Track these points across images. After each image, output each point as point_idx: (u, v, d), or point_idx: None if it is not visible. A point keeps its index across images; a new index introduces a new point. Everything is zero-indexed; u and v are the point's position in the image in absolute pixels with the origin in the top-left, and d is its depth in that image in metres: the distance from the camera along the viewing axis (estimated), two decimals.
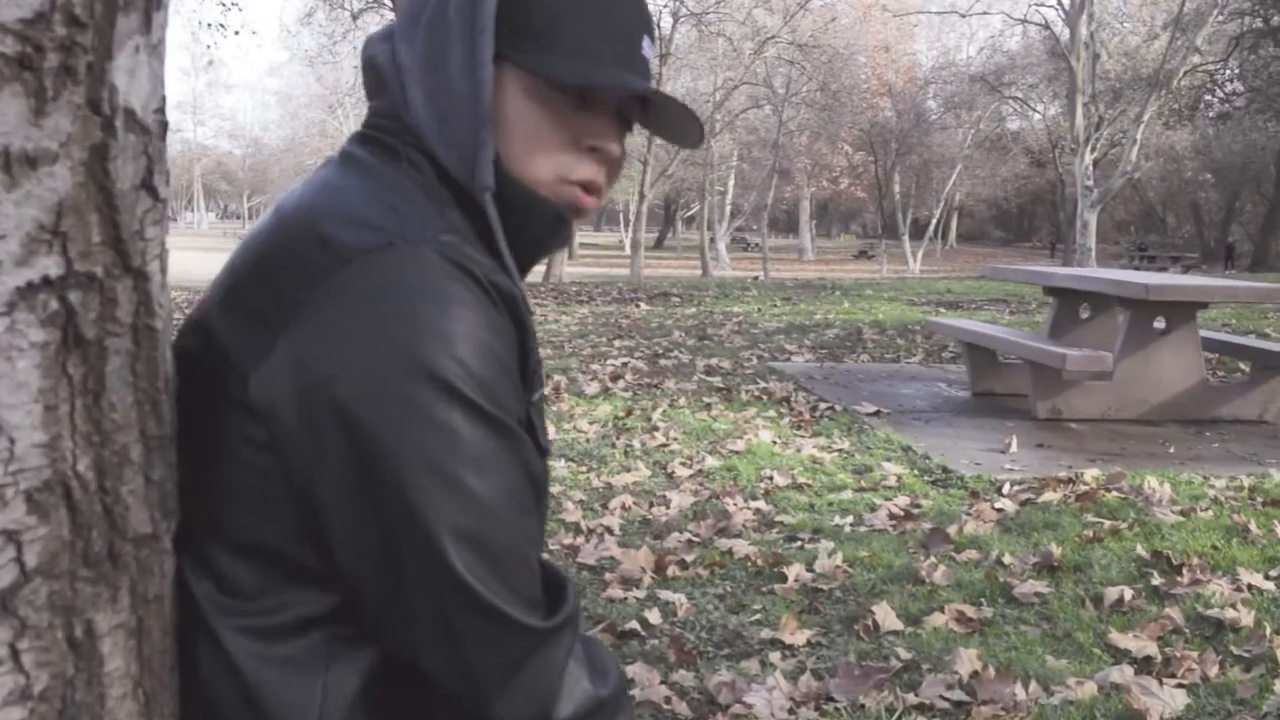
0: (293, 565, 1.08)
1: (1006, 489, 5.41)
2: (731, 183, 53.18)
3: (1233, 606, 3.87)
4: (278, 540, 1.07)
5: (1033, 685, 3.34)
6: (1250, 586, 4.08)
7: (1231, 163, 46.08)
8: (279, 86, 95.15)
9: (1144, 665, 3.52)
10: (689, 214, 62.57)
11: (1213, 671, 3.46)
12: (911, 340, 11.17)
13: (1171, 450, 6.30)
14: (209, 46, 23.15)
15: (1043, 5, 36.12)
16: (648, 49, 1.23)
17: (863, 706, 3.24)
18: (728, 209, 54.55)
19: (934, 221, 50.24)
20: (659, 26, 35.04)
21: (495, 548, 1.05)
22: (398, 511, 1.02)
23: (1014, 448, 6.22)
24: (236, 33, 26.22)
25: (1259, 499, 5.19)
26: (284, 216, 1.13)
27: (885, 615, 3.86)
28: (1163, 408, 7.07)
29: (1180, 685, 3.38)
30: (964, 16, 37.00)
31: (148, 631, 0.97)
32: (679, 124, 1.27)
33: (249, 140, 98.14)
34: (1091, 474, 5.53)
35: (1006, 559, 4.38)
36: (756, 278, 28.71)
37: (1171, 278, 7.55)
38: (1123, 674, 3.41)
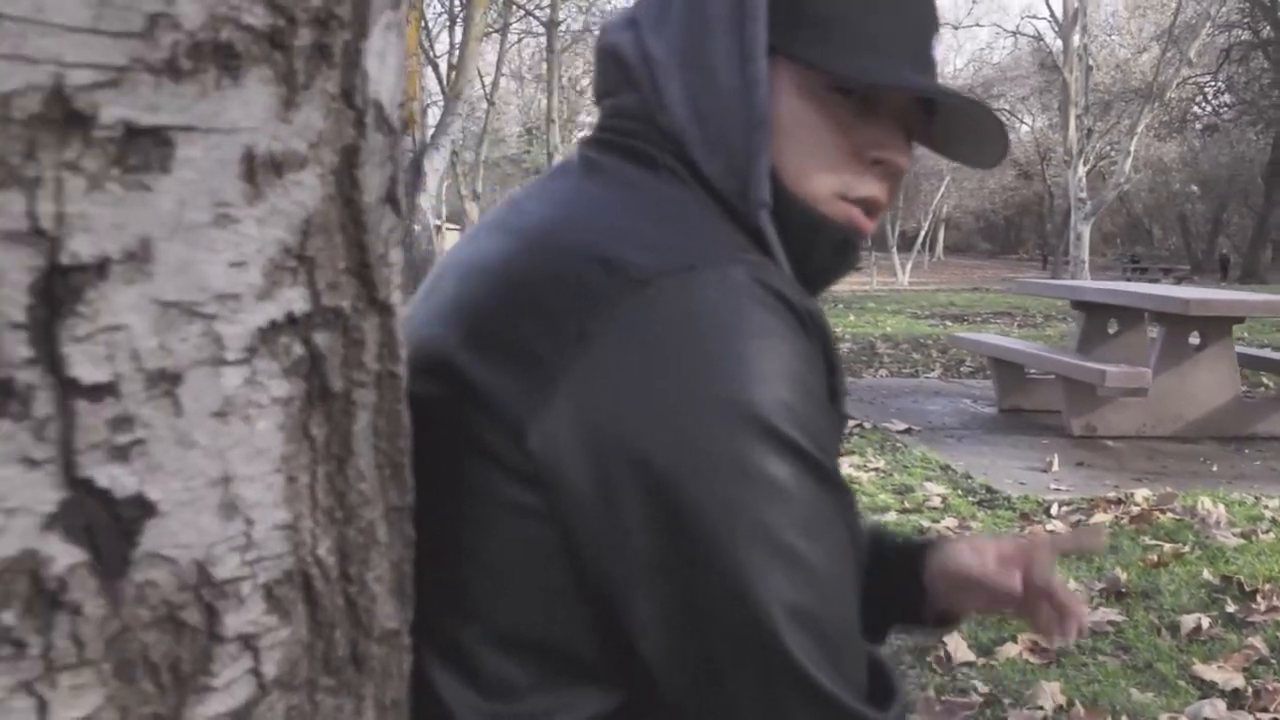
0: (571, 658, 0.88)
1: (1055, 510, 5.25)
2: None
3: None
4: (554, 628, 0.87)
5: None
6: None
7: (1219, 175, 46.23)
8: None
9: (1233, 698, 3.36)
10: None
11: None
12: (927, 354, 11.02)
13: (1215, 469, 6.15)
14: None
15: (1034, 17, 36.12)
16: (935, 48, 1.04)
17: None
18: None
19: (922, 234, 50.27)
20: None
21: (828, 626, 0.86)
22: (722, 590, 0.83)
23: (1055, 466, 6.06)
24: None
25: None
26: (529, 236, 0.93)
27: (957, 646, 3.69)
28: (1199, 424, 6.92)
29: (1272, 717, 3.23)
30: (956, 29, 37.02)
31: None
32: (976, 136, 1.05)
33: None
34: (1142, 494, 5.37)
35: (1071, 584, 4.22)
36: None
37: (1209, 292, 7.42)
38: (1215, 709, 3.27)
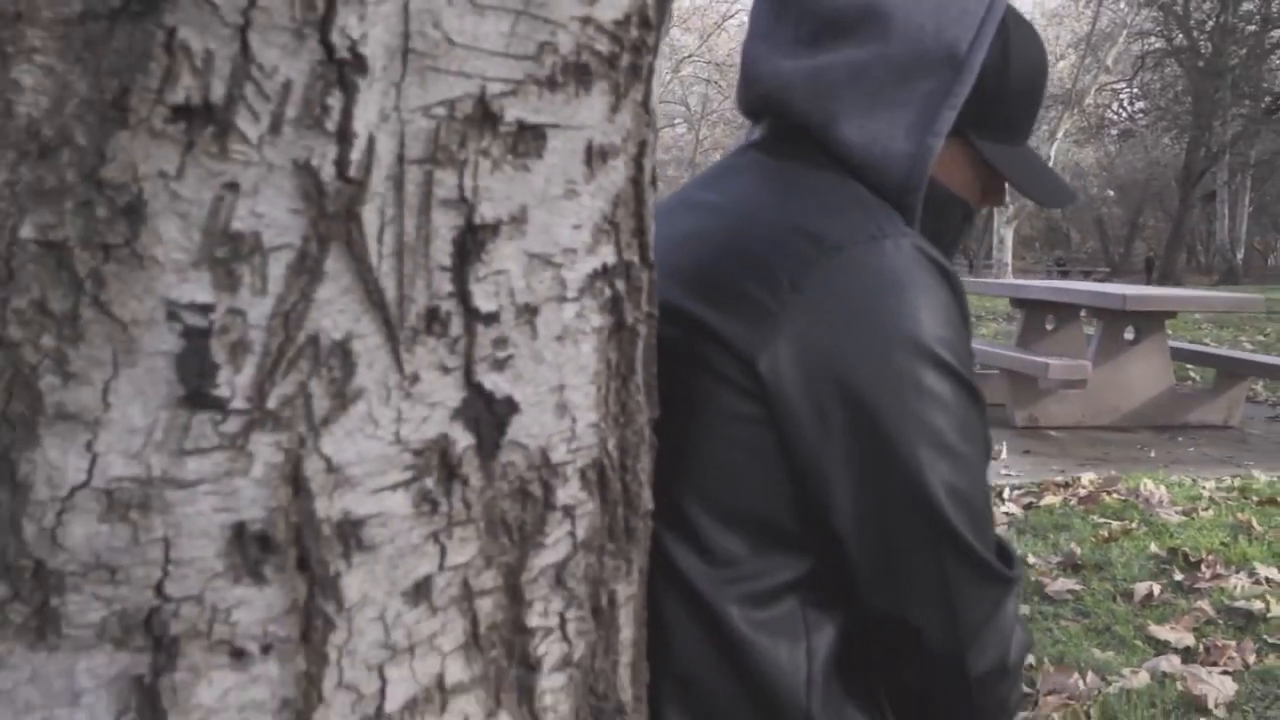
0: (777, 532, 1.13)
1: (1007, 494, 5.54)
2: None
3: (1260, 599, 4.02)
4: (766, 509, 1.12)
5: (1090, 676, 3.44)
6: (1268, 580, 4.24)
7: (1135, 179, 47.24)
8: None
9: (1186, 655, 3.64)
10: None
11: (1252, 659, 3.60)
12: None
13: (1152, 454, 6.50)
14: None
15: None
16: None
17: None
18: None
19: None
20: None
21: (976, 503, 1.13)
22: (901, 476, 1.10)
23: (1004, 454, 6.37)
24: None
25: (1253, 498, 5.38)
26: (735, 214, 1.20)
27: None
28: (1134, 414, 7.28)
29: (1225, 673, 3.51)
30: None
31: (640, 603, 1.02)
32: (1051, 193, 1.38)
33: None
34: (1088, 477, 5.69)
35: (1031, 559, 4.51)
36: None
37: (1144, 289, 7.78)
38: (1170, 663, 3.54)
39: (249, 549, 0.77)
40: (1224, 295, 7.31)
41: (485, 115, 0.81)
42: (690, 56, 35.46)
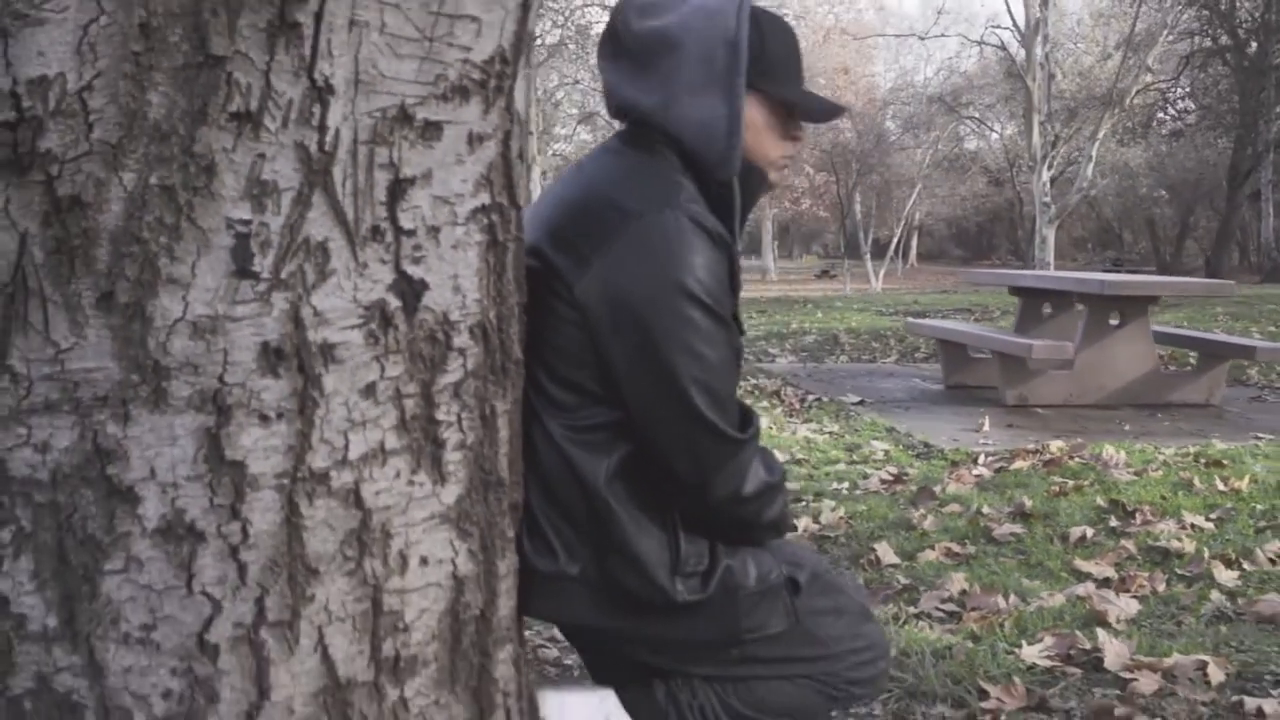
0: (590, 393, 1.79)
1: (982, 459, 6.10)
2: None
3: (1178, 539, 4.57)
4: (581, 378, 1.79)
5: (1012, 598, 4.01)
6: (1193, 526, 4.78)
7: (1185, 179, 47.09)
8: None
9: (1104, 584, 4.20)
10: None
11: (1161, 588, 4.14)
12: (885, 343, 11.91)
13: (1127, 428, 7.03)
14: None
15: (999, 28, 37.04)
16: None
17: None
18: None
19: (894, 241, 50.95)
20: None
21: (717, 390, 1.77)
22: (663, 371, 1.74)
23: (987, 427, 6.93)
24: None
25: (1202, 461, 5.91)
26: (583, 187, 1.86)
27: (885, 552, 4.54)
28: (1119, 394, 7.79)
29: (1134, 597, 4.06)
30: (923, 39, 38.01)
31: (515, 417, 1.65)
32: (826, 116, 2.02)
33: None
34: (1056, 444, 6.24)
35: (985, 509, 5.07)
36: None
37: (1125, 276, 8.30)
38: (1086, 589, 4.09)
39: (270, 358, 1.40)
40: (1199, 281, 7.85)
41: (405, 116, 1.43)
42: None
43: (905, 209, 48.56)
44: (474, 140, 1.50)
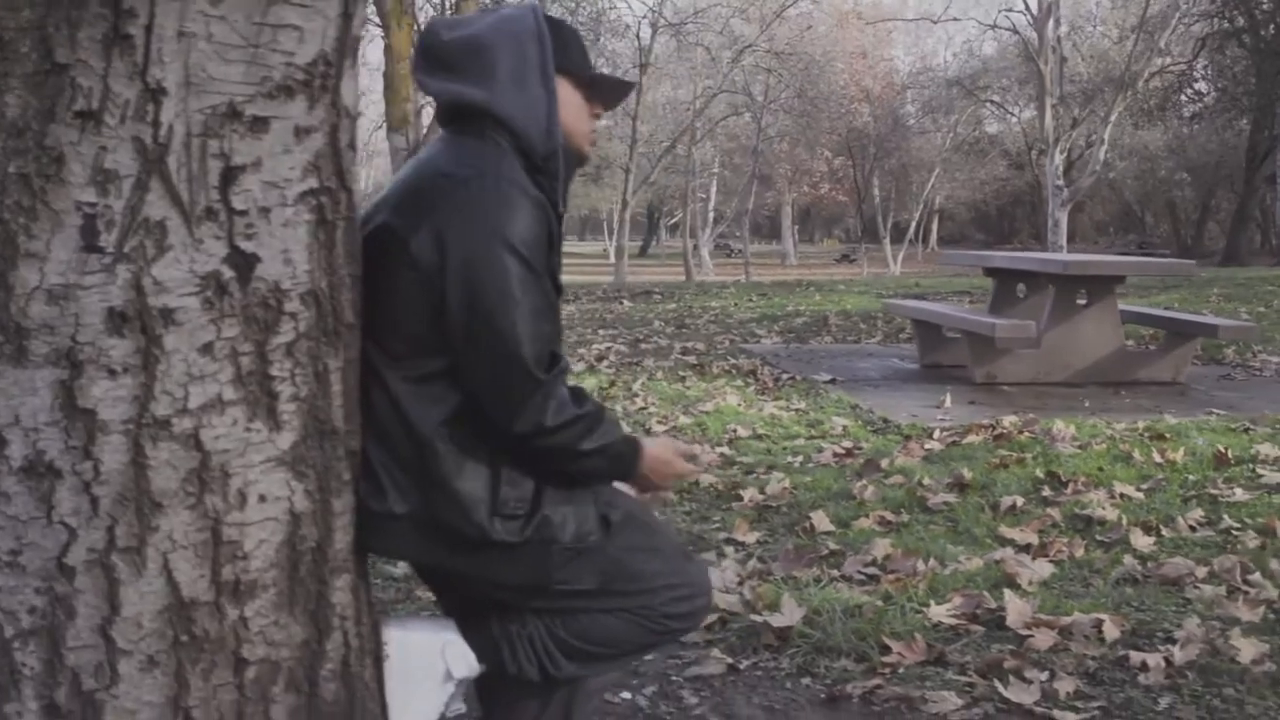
0: (425, 341, 2.02)
1: (937, 434, 6.31)
2: (714, 190, 53.88)
3: (1103, 508, 4.78)
4: (418, 327, 2.02)
5: (931, 561, 4.22)
6: (1123, 495, 4.99)
7: (1206, 161, 46.92)
8: None
9: (1024, 550, 4.40)
10: (673, 222, 63.21)
11: (1079, 553, 4.35)
12: (873, 325, 12.11)
13: (1087, 404, 7.23)
14: None
15: (1011, 11, 37.04)
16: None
17: (796, 578, 4.12)
18: (710, 216, 55.23)
19: (913, 224, 50.95)
20: (638, 37, 36.05)
21: (530, 331, 2.00)
22: (481, 311, 1.97)
23: (948, 404, 7.15)
24: None
25: (1147, 435, 6.11)
26: (420, 167, 2.11)
27: (821, 520, 4.76)
28: (1085, 372, 7.99)
29: (1051, 561, 4.26)
30: (935, 23, 38.04)
31: (350, 375, 1.89)
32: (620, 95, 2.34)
33: None
34: (1009, 419, 6.45)
35: (925, 481, 5.29)
36: (738, 282, 29.51)
37: (1087, 256, 8.48)
38: (1004, 553, 4.30)
39: (116, 320, 1.64)
40: (1159, 261, 8.04)
41: (234, 113, 1.66)
42: (750, 46, 36.09)
43: (924, 192, 48.56)
44: (300, 132, 1.73)
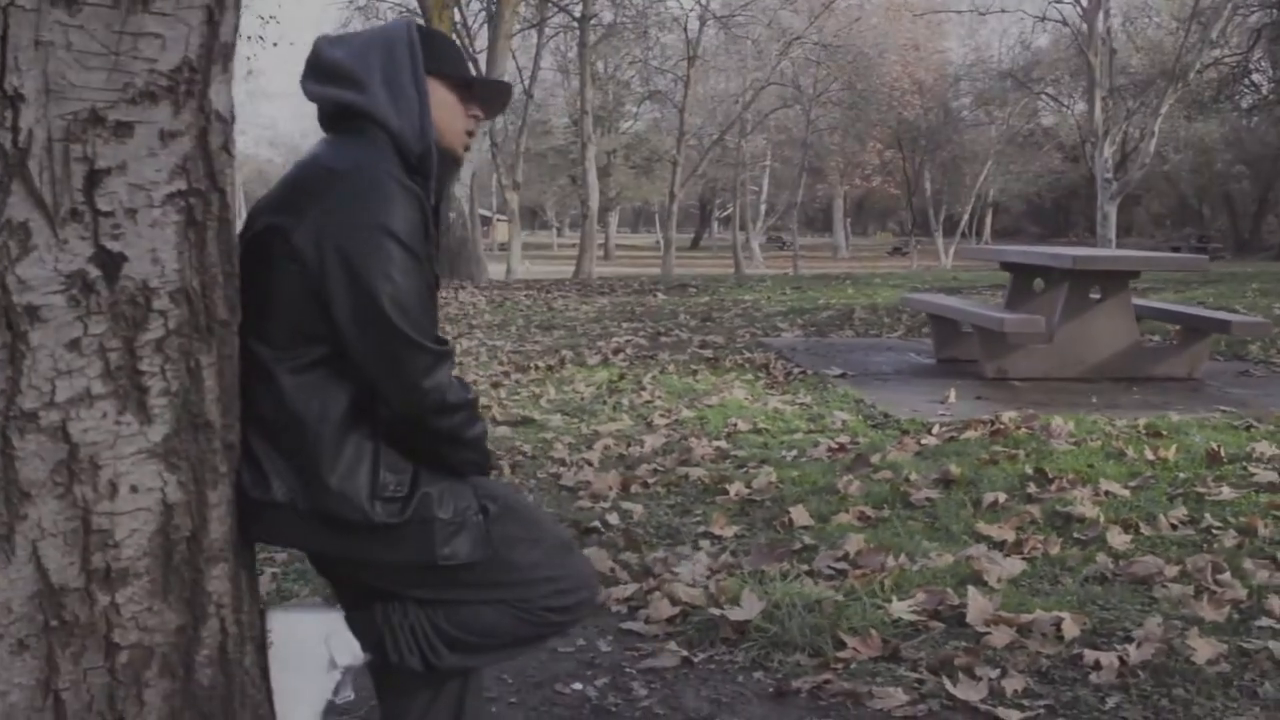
0: (309, 331, 2.09)
1: (935, 430, 6.31)
2: (766, 182, 53.82)
3: (1085, 505, 4.77)
4: (301, 316, 2.08)
5: (902, 557, 4.23)
6: (1108, 493, 4.98)
7: (1263, 154, 46.32)
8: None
9: (998, 546, 4.41)
10: (725, 214, 63.13)
11: (1054, 550, 4.35)
12: (897, 319, 12.08)
13: (1094, 400, 7.20)
14: (249, 58, 24.66)
15: (1061, 3, 36.65)
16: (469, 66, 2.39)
17: (764, 572, 4.15)
18: (762, 208, 55.16)
19: (965, 217, 50.59)
20: (685, 29, 36.03)
21: (412, 310, 2.08)
22: (365, 292, 2.04)
23: (952, 399, 7.14)
24: (275, 44, 27.43)
25: (1145, 432, 6.08)
26: (303, 165, 2.19)
27: (800, 515, 4.78)
28: (1099, 367, 7.95)
29: (1024, 559, 4.27)
30: (983, 15, 37.71)
31: (226, 370, 1.95)
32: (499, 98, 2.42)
33: (289, 148, 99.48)
34: (1008, 415, 6.43)
35: (912, 476, 5.30)
36: (785, 274, 29.45)
37: (1097, 251, 8.43)
38: (978, 550, 4.31)
39: None
40: (1172, 256, 7.96)
41: (97, 118, 1.73)
42: (799, 38, 35.97)
43: (976, 185, 48.21)
44: (166, 136, 1.79)
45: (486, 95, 2.39)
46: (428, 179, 2.21)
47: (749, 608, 3.80)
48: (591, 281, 21.97)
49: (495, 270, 35.05)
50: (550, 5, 30.59)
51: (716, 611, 3.80)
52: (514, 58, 34.18)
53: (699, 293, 17.33)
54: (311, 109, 2.27)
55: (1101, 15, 29.36)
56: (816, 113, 40.54)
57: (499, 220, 54.66)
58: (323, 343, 2.11)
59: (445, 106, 2.28)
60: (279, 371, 2.10)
